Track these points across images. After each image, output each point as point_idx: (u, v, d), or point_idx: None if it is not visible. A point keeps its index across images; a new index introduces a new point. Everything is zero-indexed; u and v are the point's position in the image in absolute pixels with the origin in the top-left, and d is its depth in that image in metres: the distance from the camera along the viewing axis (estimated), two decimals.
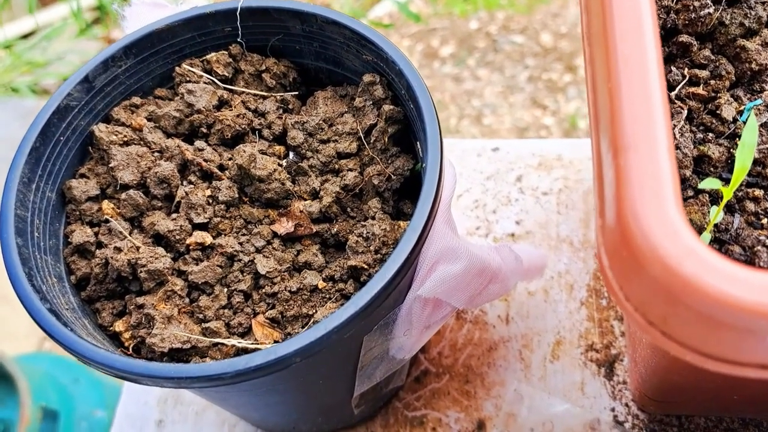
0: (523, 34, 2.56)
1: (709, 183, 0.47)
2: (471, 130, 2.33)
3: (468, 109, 2.39)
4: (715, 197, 0.53)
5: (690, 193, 0.53)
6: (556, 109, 2.33)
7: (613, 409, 0.76)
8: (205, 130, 0.64)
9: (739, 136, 0.56)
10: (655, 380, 0.65)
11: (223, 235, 0.60)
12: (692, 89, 0.57)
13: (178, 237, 0.59)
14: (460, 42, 2.55)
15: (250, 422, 0.80)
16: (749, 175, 0.54)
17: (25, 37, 2.60)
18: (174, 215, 0.60)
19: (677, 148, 0.53)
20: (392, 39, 2.59)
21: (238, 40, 0.67)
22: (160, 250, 0.59)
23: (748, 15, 0.58)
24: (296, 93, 0.68)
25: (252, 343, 0.57)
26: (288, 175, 0.62)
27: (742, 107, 0.57)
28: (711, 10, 0.59)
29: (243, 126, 0.64)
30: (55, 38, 2.55)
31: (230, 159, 0.63)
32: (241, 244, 0.60)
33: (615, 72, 0.43)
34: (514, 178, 0.93)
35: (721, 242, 0.51)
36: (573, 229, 0.88)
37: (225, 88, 0.66)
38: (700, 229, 0.51)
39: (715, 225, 0.51)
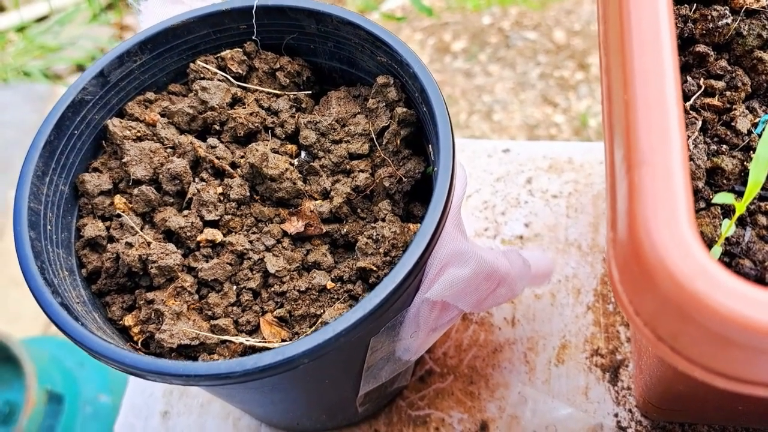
0: (536, 30, 2.55)
1: (723, 198, 0.47)
2: (481, 125, 2.32)
3: (478, 105, 2.39)
4: (726, 209, 0.53)
5: (702, 204, 0.53)
6: (567, 106, 2.32)
7: (616, 415, 0.77)
8: (218, 128, 0.64)
9: (754, 149, 0.56)
10: (660, 389, 0.65)
11: (233, 233, 0.61)
12: (707, 100, 0.57)
13: (189, 233, 0.59)
14: (472, 37, 2.54)
15: (254, 417, 0.80)
16: (762, 188, 0.54)
17: (39, 21, 2.61)
18: (185, 212, 0.61)
19: (690, 159, 0.53)
20: (404, 32, 2.58)
21: (253, 37, 0.67)
22: (171, 246, 0.59)
23: (766, 26, 0.58)
24: (309, 92, 0.68)
25: (260, 342, 0.57)
26: (299, 175, 0.62)
27: (757, 119, 0.57)
28: (729, 20, 0.58)
29: (256, 124, 0.64)
30: (68, 23, 2.56)
31: (242, 157, 0.63)
32: (251, 242, 0.60)
33: (632, 84, 0.43)
34: (524, 180, 0.93)
35: (731, 255, 0.51)
36: (582, 233, 0.88)
37: (239, 86, 0.66)
38: (710, 242, 0.51)
39: (726, 238, 0.51)
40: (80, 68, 2.53)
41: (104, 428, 1.40)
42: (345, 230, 0.61)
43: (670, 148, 0.39)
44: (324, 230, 0.61)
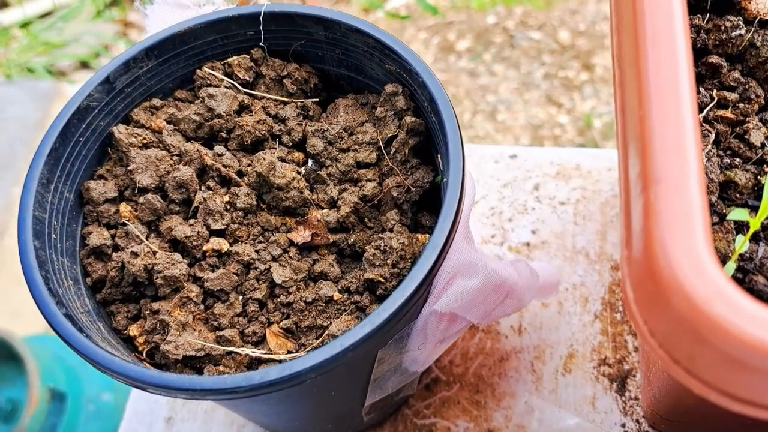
0: (541, 30, 2.54)
1: (737, 214, 0.46)
2: (485, 125, 2.31)
3: (482, 105, 2.38)
4: (740, 223, 0.52)
5: (715, 219, 0.52)
6: (571, 107, 2.32)
7: (623, 425, 0.76)
8: (224, 135, 0.64)
9: (767, 163, 0.55)
10: (668, 401, 0.64)
11: (240, 243, 0.60)
12: (720, 112, 0.56)
13: (195, 243, 0.59)
14: (476, 36, 2.53)
15: (259, 425, 0.80)
16: None
17: (43, 17, 2.60)
18: (191, 221, 0.60)
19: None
20: (408, 31, 2.57)
21: (261, 44, 0.66)
22: (177, 256, 0.58)
23: None
24: (317, 99, 0.67)
25: (266, 353, 0.56)
26: (306, 184, 0.62)
27: None
28: (742, 31, 0.57)
29: (263, 132, 0.63)
30: (72, 19, 2.55)
31: (249, 165, 0.62)
32: (257, 251, 0.60)
33: (647, 101, 0.42)
34: (532, 186, 0.92)
35: (744, 272, 0.50)
36: (589, 240, 0.87)
37: (246, 93, 0.66)
38: (724, 258, 0.50)
39: (740, 254, 0.50)
40: (84, 65, 2.53)
41: (107, 427, 1.40)
42: (352, 240, 0.61)
43: (686, 168, 0.38)
44: (331, 240, 0.61)
